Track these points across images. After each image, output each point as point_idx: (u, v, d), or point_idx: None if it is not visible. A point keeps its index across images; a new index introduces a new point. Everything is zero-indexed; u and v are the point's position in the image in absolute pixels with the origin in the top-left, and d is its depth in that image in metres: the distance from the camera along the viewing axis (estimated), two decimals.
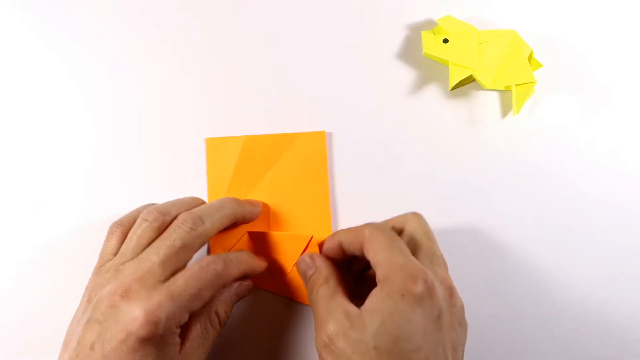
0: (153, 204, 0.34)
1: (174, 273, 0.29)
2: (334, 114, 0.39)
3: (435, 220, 0.37)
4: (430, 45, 0.39)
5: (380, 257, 0.28)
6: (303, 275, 0.32)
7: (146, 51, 0.40)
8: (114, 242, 0.32)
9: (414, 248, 0.30)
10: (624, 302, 0.36)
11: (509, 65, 0.38)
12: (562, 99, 0.39)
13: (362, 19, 0.41)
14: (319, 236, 0.34)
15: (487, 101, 0.39)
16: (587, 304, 0.36)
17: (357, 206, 0.37)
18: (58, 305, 0.35)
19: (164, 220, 0.31)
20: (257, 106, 0.39)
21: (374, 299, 0.27)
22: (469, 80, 0.39)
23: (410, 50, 0.40)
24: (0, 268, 0.36)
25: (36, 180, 0.37)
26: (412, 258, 0.28)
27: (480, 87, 0.39)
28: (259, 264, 0.34)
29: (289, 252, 0.35)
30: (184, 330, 0.29)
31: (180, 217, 0.30)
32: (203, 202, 0.34)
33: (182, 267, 0.30)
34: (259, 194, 0.36)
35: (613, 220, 0.37)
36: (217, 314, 0.31)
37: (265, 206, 0.36)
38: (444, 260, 0.30)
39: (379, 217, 0.34)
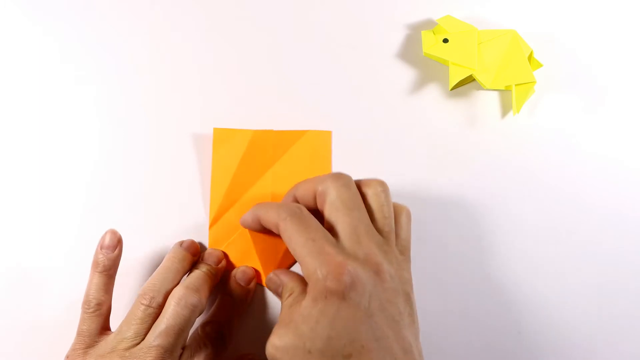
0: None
1: (182, 349, 0.32)
2: (334, 113, 0.39)
3: (435, 220, 0.37)
4: (430, 45, 0.39)
5: (297, 253, 0.28)
6: (276, 294, 0.32)
7: (150, 49, 0.40)
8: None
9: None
10: (623, 303, 0.36)
11: (509, 65, 0.38)
12: (562, 99, 0.39)
13: (362, 19, 0.41)
14: None
15: (487, 101, 0.39)
16: (586, 304, 0.36)
17: None
18: (58, 306, 0.35)
19: (161, 300, 0.32)
20: (256, 104, 0.39)
21: (304, 303, 0.27)
22: (469, 80, 0.39)
23: (410, 50, 0.40)
24: (0, 268, 0.36)
25: (36, 181, 0.37)
26: (328, 248, 0.27)
27: (480, 87, 0.39)
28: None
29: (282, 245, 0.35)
30: None
31: (176, 295, 0.31)
32: (191, 245, 0.35)
33: (186, 342, 0.32)
34: (262, 188, 0.37)
35: (613, 220, 0.37)
36: None
37: (268, 198, 0.37)
38: (367, 231, 0.28)
39: None
